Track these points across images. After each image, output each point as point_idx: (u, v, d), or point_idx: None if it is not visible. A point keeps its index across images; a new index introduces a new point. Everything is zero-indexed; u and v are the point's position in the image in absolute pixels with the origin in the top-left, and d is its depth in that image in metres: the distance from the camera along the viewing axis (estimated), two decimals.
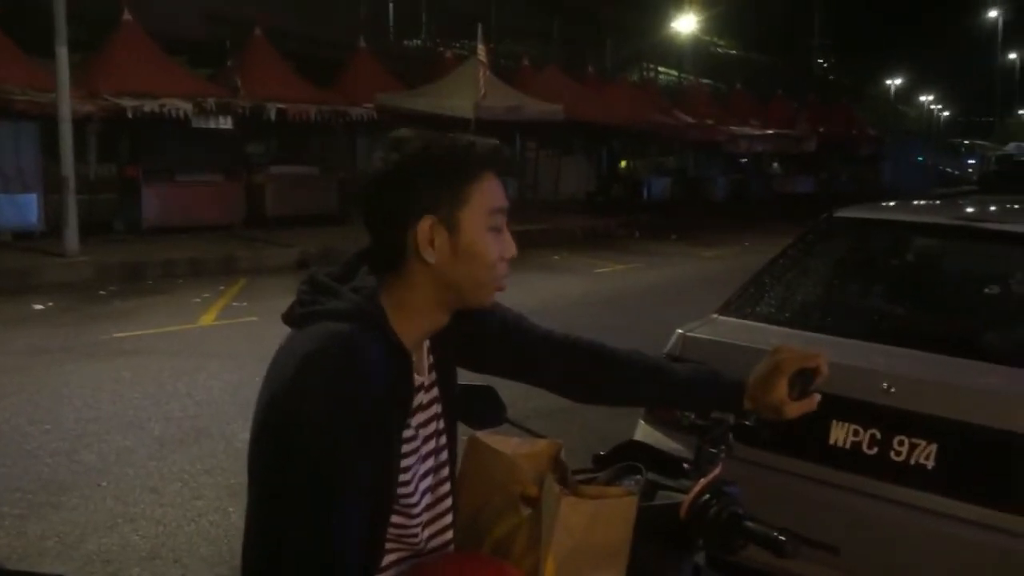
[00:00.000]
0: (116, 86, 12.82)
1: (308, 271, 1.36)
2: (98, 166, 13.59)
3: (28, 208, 12.38)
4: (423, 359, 1.37)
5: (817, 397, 1.50)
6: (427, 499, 1.35)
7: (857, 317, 3.24)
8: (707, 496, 1.46)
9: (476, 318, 1.46)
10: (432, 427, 1.37)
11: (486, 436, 1.56)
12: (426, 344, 1.38)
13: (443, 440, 1.40)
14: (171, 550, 3.71)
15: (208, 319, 8.41)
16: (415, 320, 1.29)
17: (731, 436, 1.63)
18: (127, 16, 14.05)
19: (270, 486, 1.19)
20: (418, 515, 1.32)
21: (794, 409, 1.49)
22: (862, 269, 3.59)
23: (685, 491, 1.50)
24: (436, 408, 1.38)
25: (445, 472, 1.41)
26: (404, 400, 1.27)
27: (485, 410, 1.72)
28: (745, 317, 3.12)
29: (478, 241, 1.27)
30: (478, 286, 1.30)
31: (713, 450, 1.59)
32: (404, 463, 1.27)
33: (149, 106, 12.68)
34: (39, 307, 8.78)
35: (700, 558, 1.57)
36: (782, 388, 1.47)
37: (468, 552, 1.44)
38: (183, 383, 6.07)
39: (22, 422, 5.26)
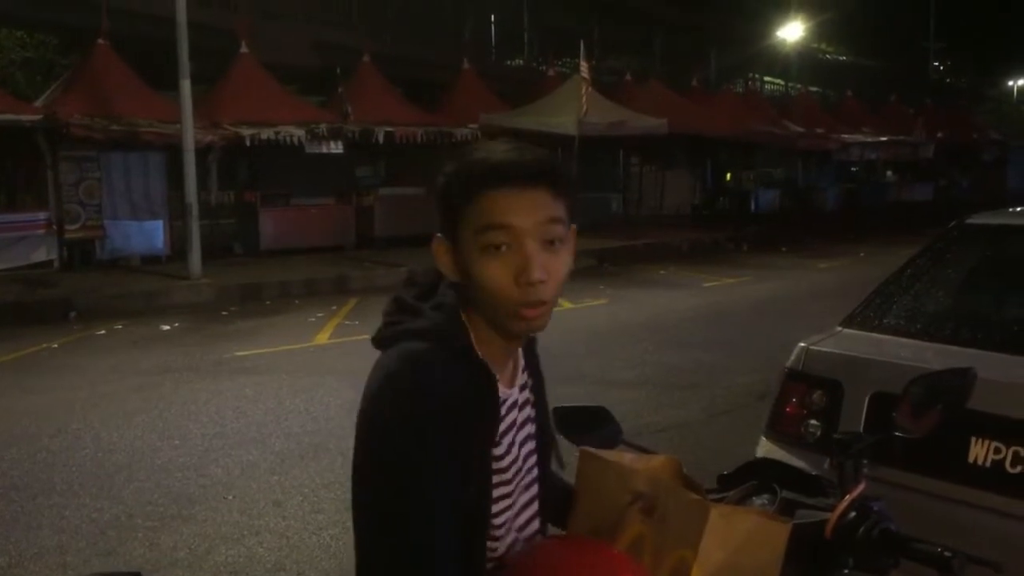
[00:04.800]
0: (235, 116, 13.44)
1: (395, 292, 1.35)
2: (218, 192, 14.22)
3: (155, 234, 13.08)
4: (516, 375, 1.34)
5: None
6: (524, 517, 1.34)
7: (994, 328, 3.06)
8: (853, 513, 1.39)
9: None
10: (528, 446, 1.35)
11: (597, 450, 1.53)
12: (520, 361, 1.36)
13: (535, 460, 1.38)
14: (295, 562, 3.81)
15: (323, 338, 8.65)
16: (485, 335, 1.25)
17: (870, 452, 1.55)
18: (244, 49, 14.72)
19: (360, 503, 1.21)
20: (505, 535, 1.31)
21: None
22: (998, 278, 3.39)
23: (824, 509, 1.43)
24: (531, 428, 1.36)
25: (535, 490, 1.38)
26: (489, 417, 1.23)
27: (599, 432, 1.68)
28: (872, 329, 3.00)
29: (471, 261, 1.20)
30: (495, 311, 1.21)
31: (856, 466, 1.51)
32: (500, 477, 1.26)
33: (266, 134, 13.25)
34: (166, 327, 9.22)
35: None
36: None
37: (581, 536, 1.42)
38: (301, 400, 6.25)
39: (153, 438, 5.51)
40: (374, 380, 1.21)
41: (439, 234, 1.26)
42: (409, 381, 1.17)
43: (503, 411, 1.27)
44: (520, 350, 1.35)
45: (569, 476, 1.53)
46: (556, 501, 1.52)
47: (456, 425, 1.16)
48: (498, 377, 1.26)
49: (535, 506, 1.38)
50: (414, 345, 1.21)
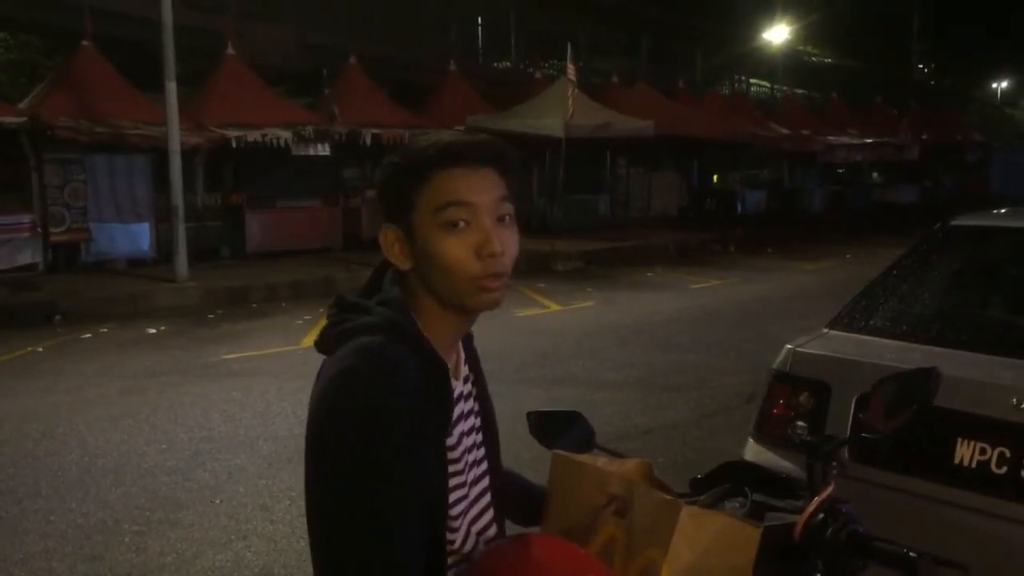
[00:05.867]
0: (221, 117, 13.36)
1: (335, 295, 1.34)
2: (204, 195, 14.15)
3: (141, 236, 12.99)
4: (459, 367, 1.35)
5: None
6: (476, 510, 1.34)
7: (979, 329, 3.09)
8: (821, 516, 1.40)
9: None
10: (474, 438, 1.36)
11: (571, 453, 1.53)
12: (462, 354, 1.37)
13: (482, 452, 1.38)
14: (282, 567, 3.80)
15: (310, 340, 8.55)
16: (435, 324, 1.27)
17: (843, 453, 1.56)
18: (230, 50, 14.66)
19: (322, 508, 1.18)
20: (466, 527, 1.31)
21: None
22: (982, 279, 3.43)
23: (795, 511, 1.44)
24: (475, 420, 1.37)
25: (487, 482, 1.39)
26: (443, 409, 1.24)
27: (573, 436, 1.67)
28: (858, 331, 3.02)
29: (429, 241, 1.23)
30: (454, 289, 1.24)
31: (825, 468, 1.52)
32: (453, 468, 1.26)
33: (252, 136, 13.18)
34: (152, 331, 9.17)
35: None
36: None
37: (540, 533, 1.41)
38: (289, 403, 6.23)
39: (139, 442, 5.48)
40: (326, 379, 1.19)
41: (386, 223, 1.28)
42: (366, 375, 1.15)
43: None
44: (460, 343, 1.37)
45: (542, 479, 1.53)
46: (520, 499, 1.53)
47: (417, 417, 1.16)
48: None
49: (487, 498, 1.38)
50: (367, 339, 1.20)
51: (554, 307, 10.50)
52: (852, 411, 2.73)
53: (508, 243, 1.25)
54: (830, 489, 1.42)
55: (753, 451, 2.98)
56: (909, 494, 2.58)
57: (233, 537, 4.10)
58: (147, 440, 5.51)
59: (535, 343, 8.13)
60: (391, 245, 1.28)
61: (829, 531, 1.38)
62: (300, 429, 5.75)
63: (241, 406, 6.22)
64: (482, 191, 1.24)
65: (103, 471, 4.98)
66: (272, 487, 4.71)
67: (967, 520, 2.47)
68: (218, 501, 4.53)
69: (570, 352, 7.95)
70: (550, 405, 1.72)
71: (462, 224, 1.23)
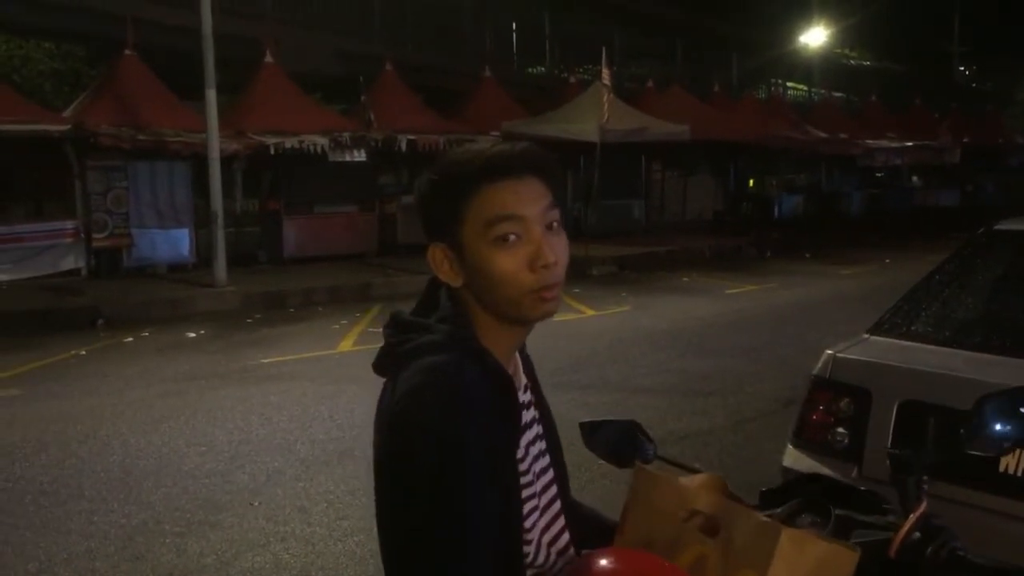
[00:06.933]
0: (259, 124, 13.54)
1: (390, 314, 1.32)
2: (243, 201, 14.33)
3: (181, 242, 13.21)
4: (519, 377, 1.34)
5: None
6: (545, 520, 1.33)
7: (1022, 334, 3.04)
8: (917, 534, 1.35)
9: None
10: (538, 446, 1.35)
11: (650, 468, 1.51)
12: (519, 364, 1.36)
13: (548, 460, 1.37)
14: (320, 569, 3.83)
15: (347, 345, 8.69)
16: (493, 338, 1.26)
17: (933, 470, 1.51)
18: (268, 58, 14.85)
19: (395, 529, 1.18)
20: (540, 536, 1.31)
21: None
22: None
23: (882, 527, 1.39)
24: (538, 428, 1.36)
25: (555, 490, 1.37)
26: (513, 423, 1.24)
27: (632, 446, 1.66)
28: (899, 336, 2.98)
29: (481, 256, 1.21)
30: (510, 301, 1.23)
31: (919, 483, 1.44)
32: (524, 480, 1.26)
33: (289, 142, 13.34)
34: (192, 335, 9.30)
35: None
36: None
37: (631, 548, 1.40)
38: (326, 406, 6.29)
39: (180, 444, 5.56)
40: (395, 401, 1.19)
41: (432, 242, 1.27)
42: (437, 396, 1.14)
43: None
44: (516, 354, 1.36)
45: (586, 483, 1.53)
46: (584, 520, 1.50)
47: (488, 434, 1.15)
48: None
49: (557, 506, 1.37)
50: (433, 359, 1.19)
51: (589, 312, 10.48)
52: (894, 418, 2.70)
53: (560, 251, 1.25)
54: (924, 505, 1.37)
55: (792, 457, 2.96)
56: (951, 502, 2.54)
57: (272, 539, 4.14)
58: (187, 442, 5.59)
59: (570, 348, 8.12)
60: (440, 263, 1.26)
61: (929, 550, 1.34)
62: (337, 432, 5.83)
63: (279, 409, 6.29)
64: (530, 202, 1.23)
65: (144, 473, 5.06)
66: (310, 490, 4.75)
67: (1013, 529, 2.43)
68: (257, 503, 4.59)
69: (605, 357, 7.93)
70: (584, 410, 1.72)
71: (513, 238, 1.21)
